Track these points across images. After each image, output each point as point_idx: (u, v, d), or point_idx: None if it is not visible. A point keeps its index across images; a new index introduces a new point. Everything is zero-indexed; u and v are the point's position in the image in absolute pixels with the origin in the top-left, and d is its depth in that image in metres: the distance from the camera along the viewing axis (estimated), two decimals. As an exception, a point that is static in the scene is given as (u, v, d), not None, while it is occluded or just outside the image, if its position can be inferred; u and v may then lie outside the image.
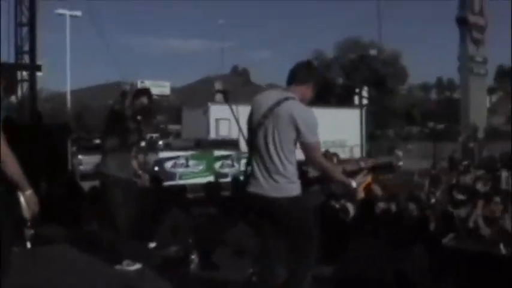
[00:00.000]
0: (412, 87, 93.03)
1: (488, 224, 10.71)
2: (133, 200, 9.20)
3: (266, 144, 5.74)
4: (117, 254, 9.08)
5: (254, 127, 5.87)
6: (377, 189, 14.15)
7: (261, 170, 5.77)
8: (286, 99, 5.77)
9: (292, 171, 5.76)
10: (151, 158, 27.46)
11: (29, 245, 9.65)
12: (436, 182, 17.68)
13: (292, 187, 5.76)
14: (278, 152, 5.68)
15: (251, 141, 5.91)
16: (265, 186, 5.73)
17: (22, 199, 4.75)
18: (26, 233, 9.50)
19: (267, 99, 5.91)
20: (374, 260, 7.88)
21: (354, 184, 5.97)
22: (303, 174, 5.86)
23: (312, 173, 5.96)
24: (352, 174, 6.00)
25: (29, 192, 4.80)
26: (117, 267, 8.98)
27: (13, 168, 4.68)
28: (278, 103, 5.74)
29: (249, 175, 5.89)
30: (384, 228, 8.78)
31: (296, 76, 6.01)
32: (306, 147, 5.70)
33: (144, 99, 9.37)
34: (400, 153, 41.01)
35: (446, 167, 26.42)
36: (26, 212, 4.80)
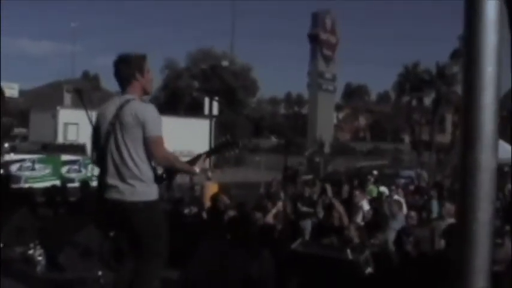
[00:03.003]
0: (261, 100, 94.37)
1: (331, 233, 11.19)
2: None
3: (118, 149, 5.80)
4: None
5: (103, 137, 5.93)
6: (223, 199, 14.43)
7: (116, 176, 5.81)
8: (128, 101, 5.87)
9: (147, 173, 5.82)
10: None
11: None
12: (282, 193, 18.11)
13: (149, 191, 5.83)
14: (131, 154, 5.75)
15: (102, 151, 5.95)
16: (122, 191, 5.77)
17: None
18: None
19: (111, 107, 5.98)
20: (221, 264, 8.07)
21: (197, 170, 6.25)
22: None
23: (160, 169, 6.00)
24: (193, 162, 6.23)
25: None
26: (-39, 266, 8.81)
27: None
28: (121, 107, 5.84)
29: (105, 183, 5.90)
30: (232, 234, 8.97)
31: (123, 78, 6.05)
32: (150, 142, 5.74)
33: None
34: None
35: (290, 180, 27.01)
36: None
